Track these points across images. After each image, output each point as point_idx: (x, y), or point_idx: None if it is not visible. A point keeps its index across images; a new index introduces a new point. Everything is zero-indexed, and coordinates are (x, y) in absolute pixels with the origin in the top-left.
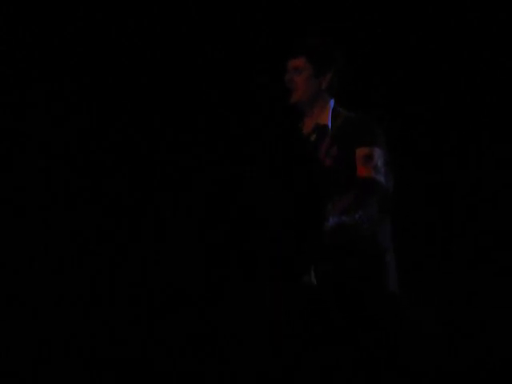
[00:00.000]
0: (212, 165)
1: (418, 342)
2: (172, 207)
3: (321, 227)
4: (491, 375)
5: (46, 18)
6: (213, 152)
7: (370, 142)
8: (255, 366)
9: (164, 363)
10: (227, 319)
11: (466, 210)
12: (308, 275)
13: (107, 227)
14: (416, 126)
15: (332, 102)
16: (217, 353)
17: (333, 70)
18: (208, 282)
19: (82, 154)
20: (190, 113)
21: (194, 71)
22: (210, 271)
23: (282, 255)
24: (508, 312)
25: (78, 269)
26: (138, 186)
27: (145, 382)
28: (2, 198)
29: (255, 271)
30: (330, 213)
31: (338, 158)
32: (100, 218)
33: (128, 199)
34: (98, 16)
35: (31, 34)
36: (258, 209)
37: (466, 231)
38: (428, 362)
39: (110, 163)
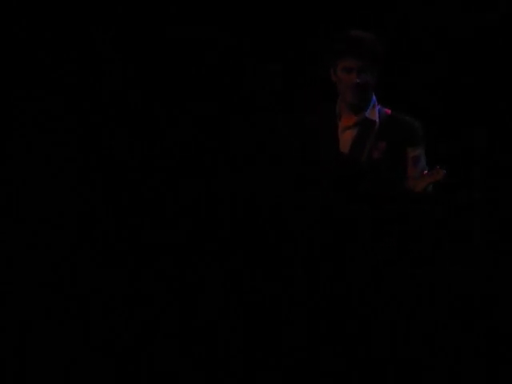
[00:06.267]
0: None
1: None
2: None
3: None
4: None
5: (45, 17)
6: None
7: (419, 144)
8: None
9: (164, 363)
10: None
11: None
12: None
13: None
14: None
15: (374, 98)
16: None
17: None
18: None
19: (82, 154)
20: (190, 111)
21: (193, 70)
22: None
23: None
24: None
25: (77, 268)
26: (137, 186)
27: (145, 382)
28: (2, 197)
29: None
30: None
31: (387, 152)
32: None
33: (128, 199)
34: (97, 15)
35: (31, 34)
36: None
37: None
38: None
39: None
